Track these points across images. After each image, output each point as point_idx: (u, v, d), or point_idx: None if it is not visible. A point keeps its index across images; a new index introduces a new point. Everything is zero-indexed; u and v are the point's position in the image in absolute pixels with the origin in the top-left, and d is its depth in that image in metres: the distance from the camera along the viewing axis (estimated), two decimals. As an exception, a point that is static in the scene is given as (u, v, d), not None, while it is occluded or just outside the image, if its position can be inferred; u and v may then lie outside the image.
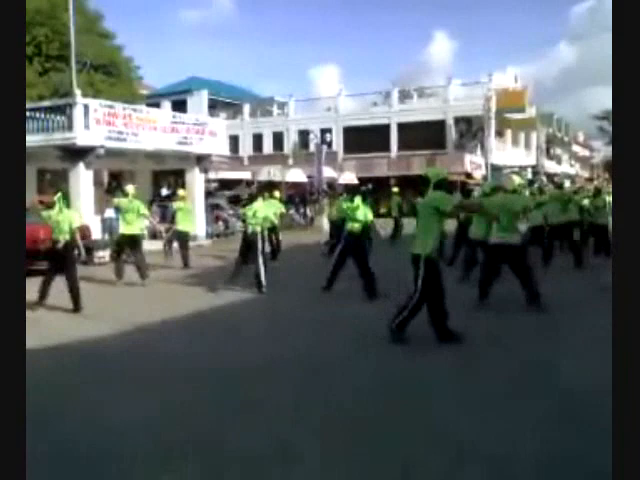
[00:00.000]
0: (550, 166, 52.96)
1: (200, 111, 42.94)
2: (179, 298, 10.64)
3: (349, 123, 43.78)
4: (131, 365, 6.54)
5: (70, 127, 17.61)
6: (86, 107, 17.69)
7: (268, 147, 47.69)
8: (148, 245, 17.59)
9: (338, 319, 8.62)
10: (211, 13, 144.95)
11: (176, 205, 15.39)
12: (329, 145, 38.88)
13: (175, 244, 15.39)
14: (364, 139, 42.10)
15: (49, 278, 9.66)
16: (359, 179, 37.47)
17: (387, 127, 42.62)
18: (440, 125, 40.97)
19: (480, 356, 6.57)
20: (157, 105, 41.16)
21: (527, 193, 14.14)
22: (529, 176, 42.20)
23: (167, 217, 15.61)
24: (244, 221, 11.48)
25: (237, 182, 32.88)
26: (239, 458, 4.15)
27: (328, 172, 34.71)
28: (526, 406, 5.02)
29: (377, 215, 21.21)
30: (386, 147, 42.36)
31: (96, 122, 17.81)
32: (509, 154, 43.66)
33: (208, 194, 24.83)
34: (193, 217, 21.83)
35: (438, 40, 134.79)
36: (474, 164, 37.91)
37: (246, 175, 33.06)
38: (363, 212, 10.33)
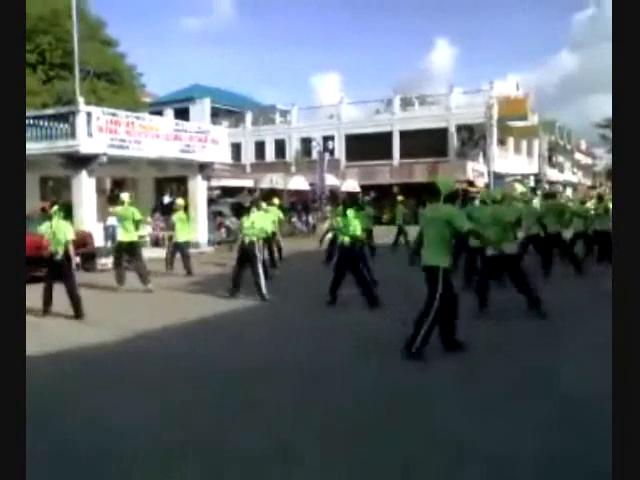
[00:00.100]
0: (552, 174, 52.98)
1: (202, 119, 43.07)
2: (180, 305, 10.66)
3: (351, 131, 43.88)
4: (132, 369, 6.56)
5: (73, 135, 17.67)
6: (89, 115, 17.75)
7: (270, 155, 47.80)
8: (150, 252, 17.65)
9: (339, 326, 8.62)
10: (212, 20, 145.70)
11: (176, 216, 15.36)
12: (331, 153, 38.97)
13: (178, 254, 15.40)
14: (366, 147, 42.17)
15: (49, 285, 9.73)
16: (361, 187, 37.55)
17: (389, 135, 42.69)
18: (442, 133, 41.02)
19: (481, 363, 6.56)
20: (160, 113, 41.27)
21: (536, 200, 14.21)
22: (531, 184, 42.25)
23: (170, 224, 15.60)
24: (241, 232, 11.49)
25: (239, 190, 32.92)
26: (239, 459, 4.16)
27: (330, 180, 34.80)
28: (527, 411, 5.02)
29: (380, 223, 21.38)
30: (388, 155, 42.42)
31: (99, 130, 17.87)
32: (511, 162, 43.69)
33: (210, 201, 24.86)
34: (194, 225, 21.93)
35: (439, 47, 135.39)
36: (476, 172, 37.95)
37: (248, 183, 33.09)
38: (354, 225, 10.31)
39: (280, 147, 47.33)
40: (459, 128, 40.85)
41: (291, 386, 5.87)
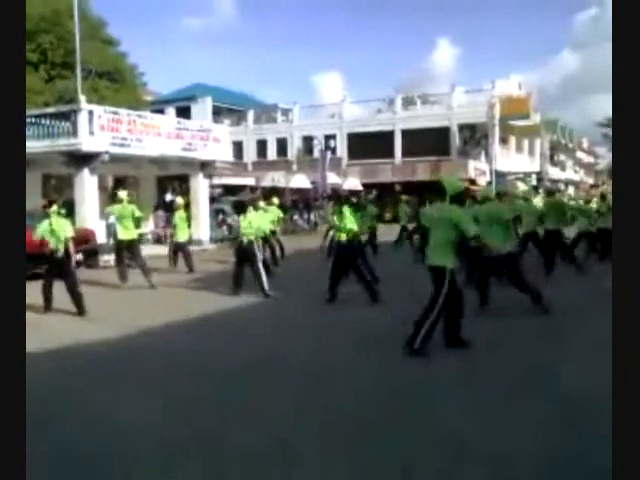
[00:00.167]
0: (554, 173, 52.94)
1: (204, 117, 43.09)
2: (183, 302, 10.69)
3: (353, 129, 43.88)
4: (135, 366, 6.59)
5: (75, 133, 17.73)
6: (91, 113, 17.81)
7: (272, 153, 47.80)
8: (152, 250, 17.69)
9: (340, 324, 8.64)
10: (213, 20, 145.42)
11: (177, 215, 15.35)
12: (333, 151, 39.01)
13: (189, 251, 15.44)
14: (368, 145, 42.17)
15: (48, 282, 9.75)
16: (363, 185, 37.55)
17: (391, 133, 42.68)
18: (444, 132, 40.99)
19: (482, 361, 6.57)
20: (161, 111, 41.27)
21: (538, 198, 14.23)
22: (533, 182, 42.22)
23: (172, 222, 15.63)
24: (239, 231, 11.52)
25: (241, 188, 32.94)
26: (240, 457, 4.18)
27: (332, 178, 34.81)
28: (528, 409, 5.03)
29: (382, 221, 21.37)
30: (390, 153, 42.41)
31: (100, 128, 17.92)
32: (513, 161, 43.66)
33: (212, 199, 24.90)
34: (196, 223, 21.96)
35: (441, 47, 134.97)
36: (478, 170, 37.93)
37: (250, 181, 33.14)
38: (350, 222, 10.34)
39: (282, 145, 47.33)
40: (461, 127, 40.84)
41: (293, 384, 5.89)
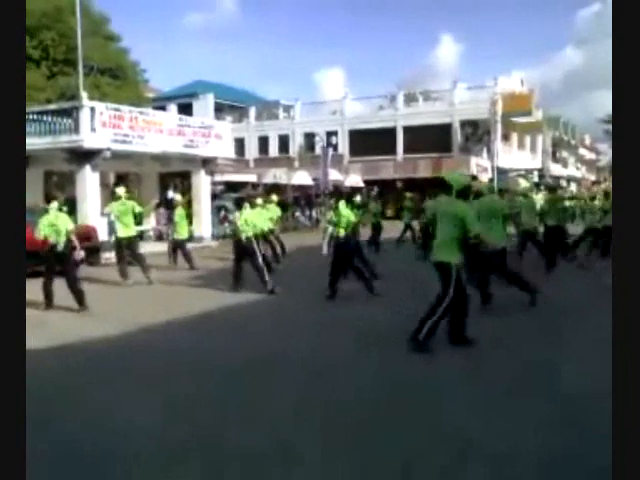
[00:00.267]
0: (556, 169, 52.89)
1: (206, 114, 43.14)
2: (183, 299, 10.70)
3: (355, 126, 43.88)
4: (135, 364, 6.59)
5: (77, 130, 17.75)
6: (92, 110, 17.82)
7: (274, 150, 47.82)
8: (153, 247, 17.71)
9: (341, 320, 8.64)
10: (215, 16, 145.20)
11: (177, 212, 15.33)
12: (335, 148, 39.02)
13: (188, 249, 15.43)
14: (370, 142, 42.16)
15: (49, 279, 9.74)
16: (365, 182, 37.57)
17: (393, 130, 42.69)
18: (446, 128, 40.99)
19: (484, 358, 6.56)
20: (163, 108, 41.32)
21: (540, 195, 14.23)
22: (535, 179, 42.19)
23: (173, 219, 15.61)
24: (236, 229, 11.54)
25: (243, 184, 32.94)
26: (240, 455, 4.18)
27: (334, 175, 34.81)
28: (529, 407, 5.03)
29: (384, 218, 21.35)
30: (392, 150, 42.41)
31: (102, 125, 17.94)
32: (515, 157, 43.64)
33: (214, 196, 24.91)
34: (199, 219, 21.98)
35: (444, 43, 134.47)
36: (480, 167, 37.91)
37: (252, 178, 33.11)
38: (346, 218, 10.36)
39: (283, 142, 47.35)
40: (463, 124, 40.83)
41: (294, 380, 5.90)
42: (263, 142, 48.37)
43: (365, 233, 17.66)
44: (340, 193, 11.51)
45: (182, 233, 15.18)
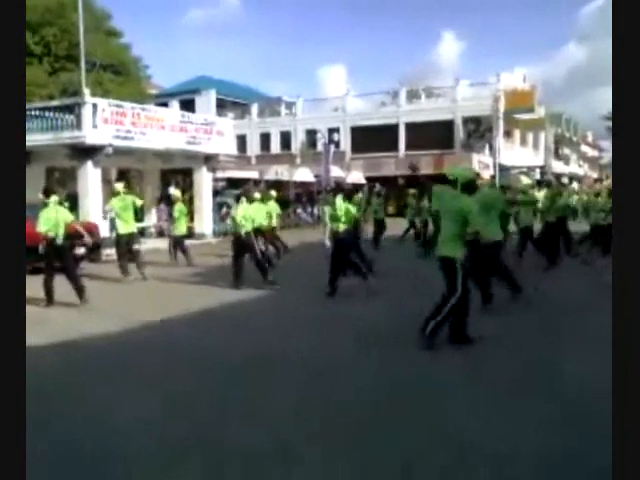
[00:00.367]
0: (558, 166, 52.81)
1: (208, 111, 43.07)
2: (184, 296, 10.70)
3: (357, 123, 43.83)
4: (136, 361, 6.60)
5: (79, 126, 17.75)
6: (95, 106, 17.81)
7: (276, 147, 47.80)
8: (154, 243, 17.73)
9: (341, 318, 8.64)
10: (218, 12, 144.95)
11: (177, 208, 15.30)
12: (337, 145, 38.97)
13: (185, 245, 15.43)
14: (372, 139, 42.12)
15: (49, 276, 9.74)
16: (367, 178, 37.50)
17: (395, 127, 42.63)
18: (448, 125, 40.96)
19: (484, 357, 6.55)
20: (165, 104, 41.32)
21: (540, 193, 14.21)
22: (537, 176, 42.13)
23: (172, 216, 15.61)
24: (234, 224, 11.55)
25: (245, 181, 32.96)
26: (240, 454, 4.18)
27: (336, 171, 34.77)
28: (530, 406, 5.03)
29: (386, 215, 21.30)
30: (394, 147, 42.37)
31: (104, 121, 17.94)
32: (517, 154, 43.57)
33: (216, 193, 24.92)
34: (201, 216, 21.98)
35: (446, 40, 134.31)
36: (482, 164, 37.85)
37: (254, 174, 33.10)
38: (343, 211, 10.36)
39: (285, 139, 47.32)
40: (465, 120, 40.78)
41: (293, 379, 5.90)
42: (265, 139, 48.35)
43: (369, 230, 17.72)
44: (339, 188, 11.43)
45: (180, 229, 15.16)
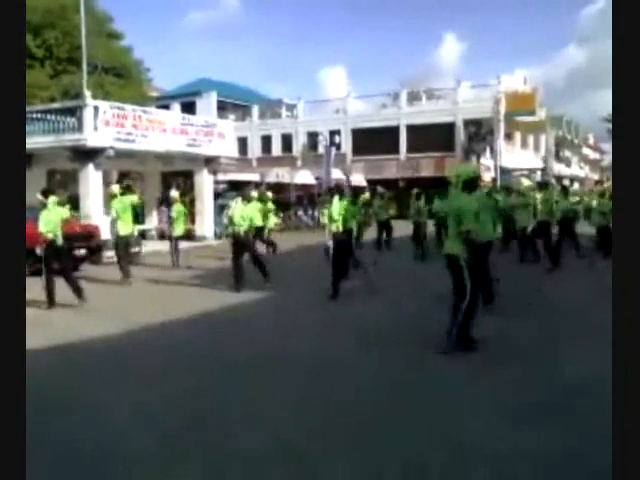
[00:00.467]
0: (559, 169, 52.80)
1: (209, 113, 43.14)
2: (185, 298, 10.69)
3: (358, 125, 43.85)
4: (136, 363, 6.60)
5: (80, 128, 17.77)
6: (96, 109, 17.84)
7: (277, 149, 47.82)
8: (155, 245, 17.74)
9: (342, 320, 8.64)
10: (218, 14, 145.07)
11: (174, 209, 15.30)
12: (338, 147, 38.95)
13: (180, 246, 15.41)
14: (373, 141, 42.12)
15: (50, 278, 9.73)
16: (368, 181, 37.52)
17: (396, 129, 42.63)
18: (449, 127, 40.95)
19: (485, 358, 6.54)
20: (166, 107, 41.36)
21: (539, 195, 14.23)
22: (538, 179, 42.13)
23: (170, 218, 15.60)
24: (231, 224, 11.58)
25: (246, 184, 32.99)
26: (240, 455, 4.19)
27: (337, 174, 34.77)
28: (530, 406, 5.04)
29: (390, 217, 21.25)
30: (395, 149, 42.38)
31: (106, 123, 17.96)
32: (518, 156, 43.56)
33: (217, 195, 24.94)
34: (202, 218, 21.97)
35: (446, 42, 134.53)
36: (483, 166, 37.83)
37: (255, 177, 33.14)
38: (338, 211, 10.36)
39: (286, 141, 47.36)
40: (466, 123, 40.75)
41: (295, 380, 5.91)
42: (266, 141, 48.38)
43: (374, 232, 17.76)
44: (338, 189, 11.42)
45: (178, 230, 15.15)
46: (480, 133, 40.26)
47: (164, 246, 16.89)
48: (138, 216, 12.98)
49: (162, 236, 21.46)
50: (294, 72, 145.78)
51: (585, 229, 17.05)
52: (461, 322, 6.58)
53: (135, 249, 15.13)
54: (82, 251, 13.88)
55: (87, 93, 18.56)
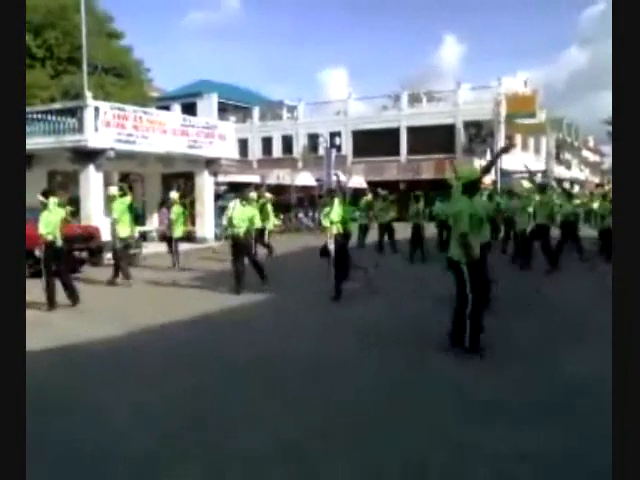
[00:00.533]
0: (560, 171, 52.78)
1: (210, 114, 43.17)
2: (185, 300, 10.69)
3: (358, 127, 43.85)
4: (137, 364, 6.60)
5: (81, 129, 17.78)
6: (97, 110, 17.84)
7: (277, 150, 47.82)
8: (156, 247, 17.73)
9: (343, 320, 8.64)
10: (219, 15, 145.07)
11: (173, 210, 15.30)
12: (338, 149, 38.97)
13: (180, 248, 15.40)
14: (373, 143, 42.12)
15: (51, 280, 9.73)
16: (368, 183, 37.49)
17: (396, 131, 42.62)
18: (450, 129, 40.96)
19: (484, 359, 6.55)
20: (167, 108, 41.33)
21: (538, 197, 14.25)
22: (539, 181, 42.11)
23: (170, 219, 15.61)
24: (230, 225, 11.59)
25: (246, 185, 32.98)
26: (240, 456, 4.20)
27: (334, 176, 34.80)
28: (530, 406, 5.04)
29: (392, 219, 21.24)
30: (395, 151, 42.37)
31: (106, 124, 17.97)
32: (519, 159, 43.50)
33: (217, 197, 24.96)
34: (203, 220, 21.98)
35: (447, 43, 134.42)
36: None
37: (255, 178, 33.15)
38: (337, 212, 10.37)
39: (287, 143, 47.35)
40: (467, 124, 40.76)
41: (295, 380, 5.92)
42: (267, 143, 48.38)
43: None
44: (337, 190, 11.42)
45: (177, 231, 15.15)
46: (480, 135, 40.28)
47: (165, 248, 16.90)
48: (138, 218, 12.95)
49: (163, 238, 21.48)
50: (294, 73, 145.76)
51: (586, 232, 17.04)
52: (470, 328, 6.55)
53: (135, 251, 15.12)
54: (83, 254, 13.88)
55: (88, 94, 18.57)
